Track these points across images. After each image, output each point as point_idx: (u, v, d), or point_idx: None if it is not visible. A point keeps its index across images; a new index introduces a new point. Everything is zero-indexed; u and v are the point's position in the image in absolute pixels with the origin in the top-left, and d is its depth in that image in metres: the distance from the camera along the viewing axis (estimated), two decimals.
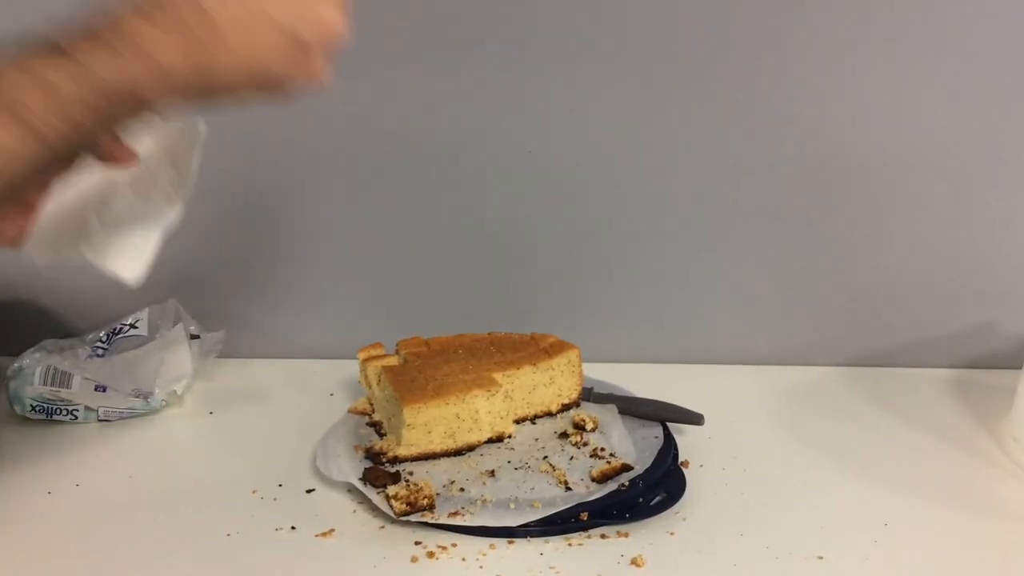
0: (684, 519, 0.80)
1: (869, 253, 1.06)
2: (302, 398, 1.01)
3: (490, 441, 0.89)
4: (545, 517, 0.78)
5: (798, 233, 1.05)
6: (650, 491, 0.82)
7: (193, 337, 1.01)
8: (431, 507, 0.79)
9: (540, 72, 0.99)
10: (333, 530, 0.79)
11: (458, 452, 0.88)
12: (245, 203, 1.05)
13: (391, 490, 0.80)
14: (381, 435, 0.90)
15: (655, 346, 1.09)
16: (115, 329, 1.01)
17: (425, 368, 0.90)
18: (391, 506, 0.78)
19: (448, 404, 0.86)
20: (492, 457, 0.88)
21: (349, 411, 0.94)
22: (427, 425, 0.86)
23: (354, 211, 1.05)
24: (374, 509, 0.81)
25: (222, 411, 0.99)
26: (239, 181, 1.03)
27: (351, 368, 0.99)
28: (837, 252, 1.06)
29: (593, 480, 0.83)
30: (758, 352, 1.09)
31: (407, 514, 0.78)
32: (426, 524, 0.78)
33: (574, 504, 0.79)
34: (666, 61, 0.98)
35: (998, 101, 0.98)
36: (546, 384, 0.93)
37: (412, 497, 0.79)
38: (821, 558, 0.76)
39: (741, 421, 0.97)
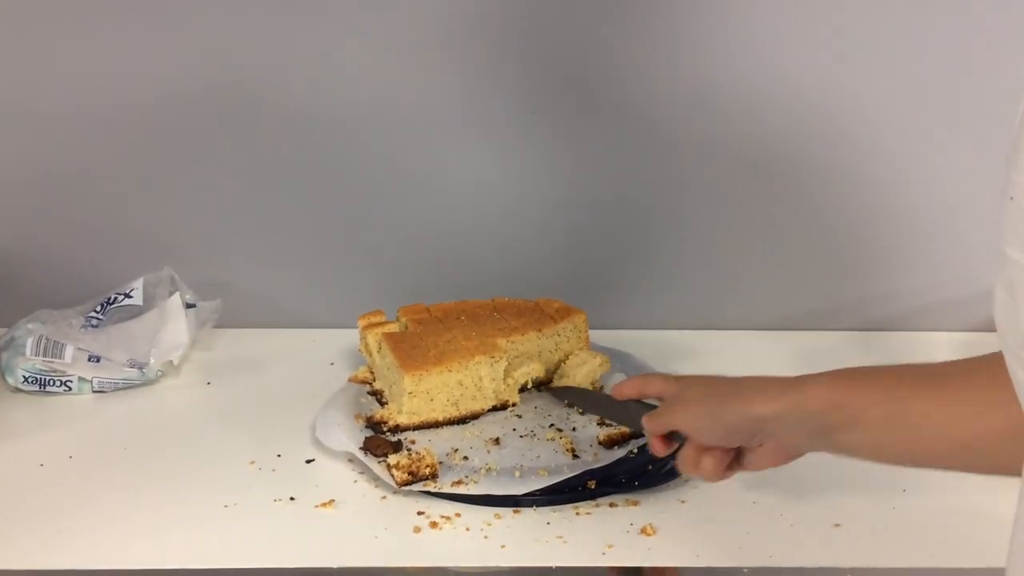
0: (695, 487, 0.78)
1: (880, 216, 1.03)
2: (301, 368, 0.98)
3: (494, 409, 0.87)
4: (552, 485, 0.75)
5: (809, 196, 1.02)
6: (659, 459, 0.79)
7: (189, 306, 0.98)
8: (434, 476, 0.77)
9: (542, 29, 0.96)
10: (333, 500, 0.77)
11: (461, 420, 0.85)
12: (240, 169, 1.02)
13: (392, 459, 0.77)
14: (382, 404, 0.88)
15: (664, 312, 1.06)
16: (109, 299, 0.98)
17: (426, 335, 0.88)
18: (392, 475, 0.76)
19: (451, 371, 0.83)
20: (497, 425, 0.85)
21: (349, 380, 0.92)
22: (429, 393, 0.83)
23: (353, 176, 1.02)
24: (376, 479, 0.79)
25: (219, 381, 0.96)
26: (235, 149, 1.00)
27: (351, 337, 0.97)
28: (848, 215, 1.03)
29: (600, 444, 0.80)
30: (769, 317, 1.07)
31: (408, 483, 0.76)
32: (429, 494, 0.76)
33: (581, 472, 0.76)
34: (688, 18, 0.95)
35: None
36: (551, 350, 0.91)
37: (414, 466, 0.76)
38: (838, 525, 0.73)
39: None
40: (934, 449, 0.57)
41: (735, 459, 0.66)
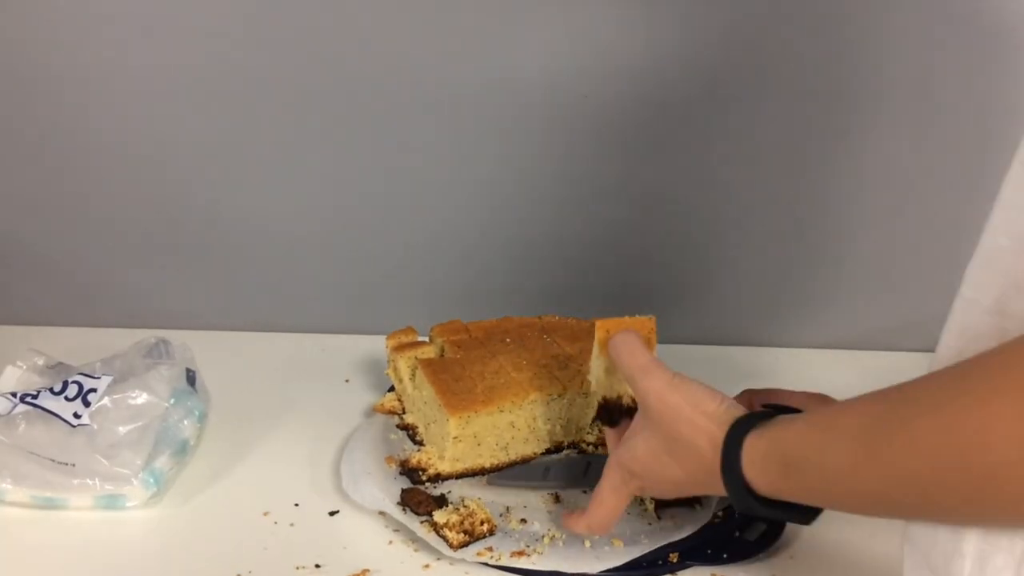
0: (790, 558, 0.67)
1: (959, 234, 0.93)
2: (313, 386, 0.86)
3: (547, 452, 0.75)
4: (629, 562, 0.64)
5: (886, 213, 0.94)
6: (748, 522, 0.68)
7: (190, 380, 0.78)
8: (491, 532, 0.65)
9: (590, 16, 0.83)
10: (367, 571, 0.64)
11: (510, 466, 0.73)
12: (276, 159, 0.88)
13: (439, 517, 0.66)
14: (415, 441, 0.75)
15: (727, 327, 0.98)
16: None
17: (469, 362, 0.75)
18: (445, 537, 0.64)
19: (502, 411, 0.71)
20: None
21: (375, 409, 0.79)
22: (476, 436, 0.71)
23: (377, 168, 0.90)
24: (414, 539, 0.67)
25: (216, 408, 0.82)
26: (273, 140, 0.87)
27: (367, 345, 0.85)
28: (920, 232, 0.95)
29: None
30: (840, 336, 0.98)
31: (466, 545, 0.64)
32: (484, 564, 0.64)
33: (661, 545, 0.65)
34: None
35: None
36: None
37: (467, 523, 0.65)
38: None
39: None
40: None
41: None
